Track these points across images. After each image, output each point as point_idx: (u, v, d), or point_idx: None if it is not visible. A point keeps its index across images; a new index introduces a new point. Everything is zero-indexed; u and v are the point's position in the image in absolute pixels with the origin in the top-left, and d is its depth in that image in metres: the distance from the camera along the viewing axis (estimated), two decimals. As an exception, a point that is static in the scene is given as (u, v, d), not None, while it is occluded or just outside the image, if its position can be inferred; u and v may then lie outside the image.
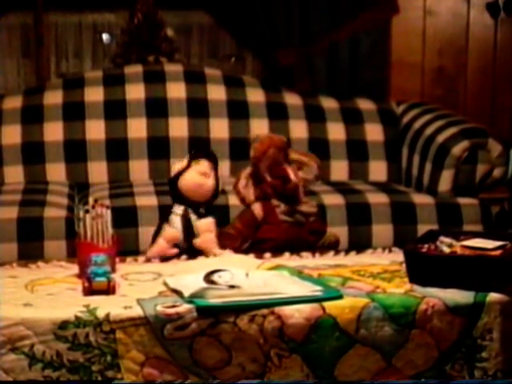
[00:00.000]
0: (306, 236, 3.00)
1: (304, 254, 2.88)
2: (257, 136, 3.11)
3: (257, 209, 3.01)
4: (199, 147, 2.97)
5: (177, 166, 2.97)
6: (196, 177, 2.91)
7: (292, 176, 3.00)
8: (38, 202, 3.40)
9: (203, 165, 2.93)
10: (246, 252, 2.93)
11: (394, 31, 4.42)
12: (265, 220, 2.99)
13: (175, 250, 2.86)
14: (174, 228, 2.90)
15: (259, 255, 2.82)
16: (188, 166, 2.93)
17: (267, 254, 2.84)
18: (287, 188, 2.99)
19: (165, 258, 2.82)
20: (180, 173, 2.93)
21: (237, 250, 2.91)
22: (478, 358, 2.38)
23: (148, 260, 2.81)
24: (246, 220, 3.01)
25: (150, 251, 2.88)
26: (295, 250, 2.87)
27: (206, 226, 2.90)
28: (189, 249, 2.87)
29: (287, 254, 2.86)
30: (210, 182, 2.93)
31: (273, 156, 3.00)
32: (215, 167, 2.96)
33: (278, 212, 3.00)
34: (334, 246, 3.03)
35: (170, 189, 2.99)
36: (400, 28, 4.42)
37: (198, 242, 2.88)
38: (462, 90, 4.50)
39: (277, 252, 2.86)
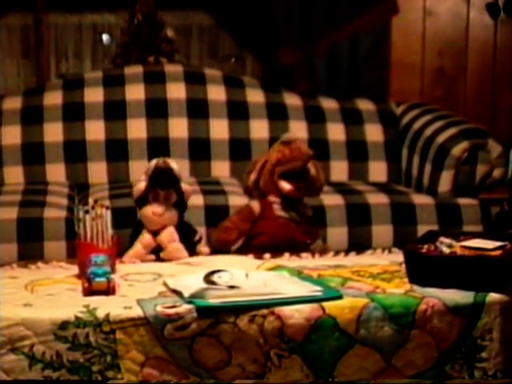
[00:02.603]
0: (299, 235, 3.01)
1: (304, 254, 2.88)
2: (287, 140, 3.10)
3: (255, 205, 3.02)
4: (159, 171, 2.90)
5: (136, 188, 2.92)
6: (151, 217, 2.87)
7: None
8: (38, 203, 3.40)
9: (157, 207, 2.87)
10: (240, 246, 2.94)
11: (393, 32, 4.42)
12: (262, 215, 3.01)
13: (151, 257, 2.86)
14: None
15: (259, 256, 2.82)
16: (147, 191, 2.88)
17: (267, 255, 2.84)
18: (292, 195, 3.01)
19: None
20: (140, 197, 2.90)
21: (232, 244, 2.92)
22: (478, 358, 2.38)
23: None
24: (243, 215, 3.04)
25: (127, 255, 2.86)
26: (288, 248, 2.88)
27: (167, 238, 2.87)
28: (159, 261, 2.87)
29: (287, 255, 2.86)
30: (165, 221, 2.87)
31: (292, 167, 3.01)
32: (176, 189, 2.90)
33: (274, 208, 3.01)
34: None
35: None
36: (400, 29, 4.42)
37: (163, 255, 2.87)
38: (461, 91, 4.50)
39: (270, 249, 2.87)
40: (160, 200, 2.88)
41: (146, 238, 2.89)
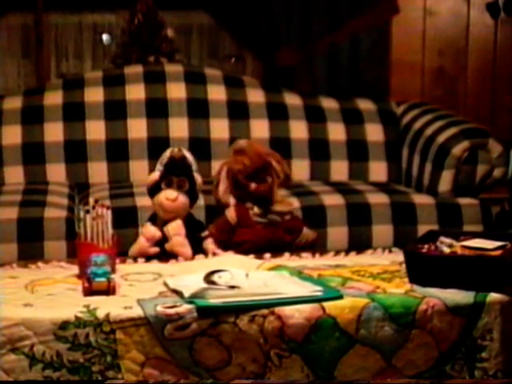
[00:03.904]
0: (281, 235, 2.99)
1: (304, 254, 2.88)
2: (240, 145, 3.07)
3: (230, 213, 3.00)
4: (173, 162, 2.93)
5: (149, 177, 2.96)
6: (164, 203, 2.90)
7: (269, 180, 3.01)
8: (38, 203, 3.40)
9: (171, 192, 2.90)
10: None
11: (394, 31, 4.42)
12: (239, 223, 2.99)
13: (156, 249, 2.87)
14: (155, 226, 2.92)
15: (259, 256, 2.82)
16: (160, 180, 2.92)
17: (267, 255, 2.84)
18: (262, 191, 3.00)
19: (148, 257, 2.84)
20: (153, 186, 2.93)
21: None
22: (478, 358, 2.38)
23: (134, 260, 2.82)
24: (220, 225, 3.01)
25: (131, 250, 2.88)
26: (273, 250, 2.87)
27: (174, 230, 2.88)
28: (163, 253, 2.88)
29: (287, 255, 2.86)
30: (178, 207, 2.89)
31: (255, 170, 3.00)
32: (189, 178, 2.93)
33: (251, 214, 2.99)
34: (312, 245, 3.02)
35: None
36: (400, 28, 4.42)
37: (168, 246, 2.88)
38: (462, 90, 4.51)
39: (254, 253, 2.86)
40: (173, 186, 2.91)
41: (148, 230, 2.90)
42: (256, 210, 2.99)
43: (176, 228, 2.89)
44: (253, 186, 2.98)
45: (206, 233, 3.00)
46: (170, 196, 2.89)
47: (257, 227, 2.98)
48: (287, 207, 3.07)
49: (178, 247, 2.87)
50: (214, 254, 2.89)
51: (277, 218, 3.01)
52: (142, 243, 2.90)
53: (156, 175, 2.93)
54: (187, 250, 2.87)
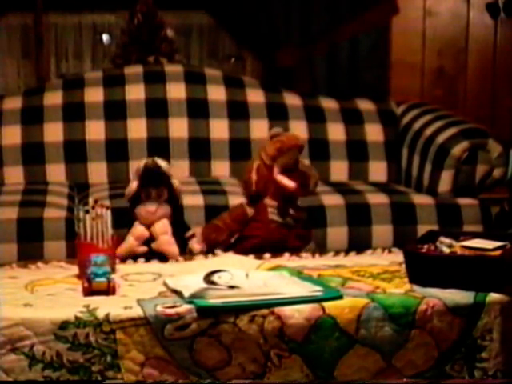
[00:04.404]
0: (291, 240, 2.99)
1: (304, 254, 2.88)
2: (277, 133, 3.08)
3: (249, 206, 3.01)
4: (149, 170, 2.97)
5: (128, 189, 3.00)
6: (145, 215, 2.95)
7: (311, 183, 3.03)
8: (38, 203, 3.40)
9: (150, 205, 2.94)
10: (229, 246, 2.96)
11: (394, 31, 4.42)
12: (254, 217, 2.99)
13: (144, 248, 2.91)
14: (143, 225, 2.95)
15: (259, 256, 2.82)
16: (138, 191, 2.96)
17: (267, 255, 2.84)
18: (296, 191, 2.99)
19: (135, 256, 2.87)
20: (133, 196, 2.98)
21: (222, 244, 2.93)
22: (478, 358, 2.38)
23: (120, 260, 2.83)
24: (235, 215, 3.03)
25: (120, 248, 2.89)
26: (278, 251, 2.87)
27: (160, 229, 2.92)
28: (150, 252, 2.91)
29: (287, 255, 2.86)
30: (158, 218, 2.94)
31: (291, 157, 3.00)
32: (168, 187, 2.97)
33: (269, 211, 3.00)
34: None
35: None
36: (400, 28, 4.42)
37: (155, 245, 2.92)
38: (461, 91, 4.50)
39: (259, 251, 2.86)
40: (152, 198, 2.95)
41: (137, 229, 2.94)
42: (274, 208, 2.99)
43: (162, 227, 2.92)
44: (290, 184, 2.96)
45: (190, 233, 3.03)
46: (149, 209, 2.94)
47: (271, 225, 2.98)
48: (301, 215, 3.08)
49: (166, 246, 2.90)
50: (215, 254, 2.89)
51: (292, 221, 3.01)
52: (130, 242, 2.93)
53: (134, 186, 2.97)
54: (174, 248, 2.90)
